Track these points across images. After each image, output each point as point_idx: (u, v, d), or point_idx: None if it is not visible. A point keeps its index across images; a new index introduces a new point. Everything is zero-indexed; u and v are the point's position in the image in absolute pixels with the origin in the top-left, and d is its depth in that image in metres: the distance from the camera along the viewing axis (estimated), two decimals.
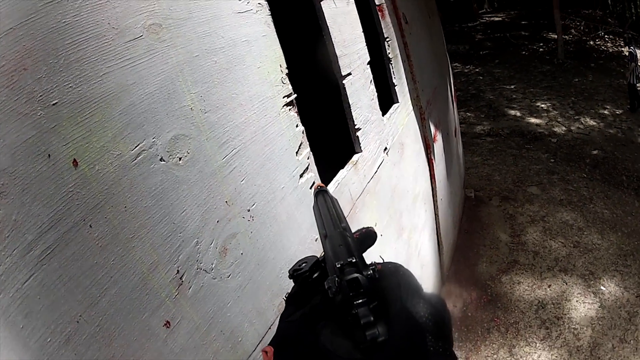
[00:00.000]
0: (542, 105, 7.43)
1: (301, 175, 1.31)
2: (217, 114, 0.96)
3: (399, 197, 2.10)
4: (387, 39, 2.02)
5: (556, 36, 9.66)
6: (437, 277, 3.10)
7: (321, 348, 0.33)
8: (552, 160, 5.51)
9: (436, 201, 2.71)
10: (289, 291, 0.45)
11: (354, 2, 1.77)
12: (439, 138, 2.85)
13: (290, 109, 1.26)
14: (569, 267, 3.67)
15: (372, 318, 0.30)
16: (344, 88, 1.61)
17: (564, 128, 6.58)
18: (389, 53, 2.02)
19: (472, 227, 4.04)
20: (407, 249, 2.29)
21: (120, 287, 0.73)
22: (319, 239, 0.44)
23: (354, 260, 0.35)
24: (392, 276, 0.36)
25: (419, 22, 2.64)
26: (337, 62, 1.59)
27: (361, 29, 1.78)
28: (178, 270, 0.86)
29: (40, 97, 0.63)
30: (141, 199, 0.78)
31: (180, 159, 0.87)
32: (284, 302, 0.47)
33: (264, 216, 1.11)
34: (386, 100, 2.06)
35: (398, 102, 2.10)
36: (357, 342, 0.31)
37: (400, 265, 0.39)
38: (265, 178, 1.12)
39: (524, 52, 10.46)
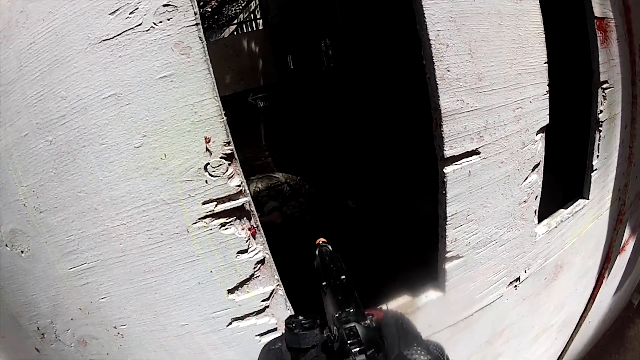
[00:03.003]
0: None
1: (234, 320, 0.78)
2: (57, 217, 0.66)
3: (506, 338, 1.29)
4: (605, 85, 0.99)
5: None
6: None
7: None
8: None
9: (579, 326, 1.77)
10: (273, 343, 0.43)
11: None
12: (629, 246, 1.66)
13: (223, 226, 0.67)
14: None
15: None
16: (444, 182, 0.68)
17: None
18: (601, 111, 1.02)
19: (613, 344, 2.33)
20: None
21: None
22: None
23: (351, 310, 0.36)
24: (392, 325, 0.38)
25: None
26: (440, 128, 0.62)
27: (541, 58, 0.87)
28: (38, 328, 0.85)
29: None
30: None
31: (22, 252, 0.72)
32: None
33: (142, 340, 0.81)
34: (563, 191, 1.24)
35: (588, 198, 1.18)
36: None
37: (402, 314, 0.41)
38: (148, 309, 0.75)
39: None
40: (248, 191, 0.68)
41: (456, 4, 0.70)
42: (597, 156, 1.15)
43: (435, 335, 1.07)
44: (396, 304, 1.04)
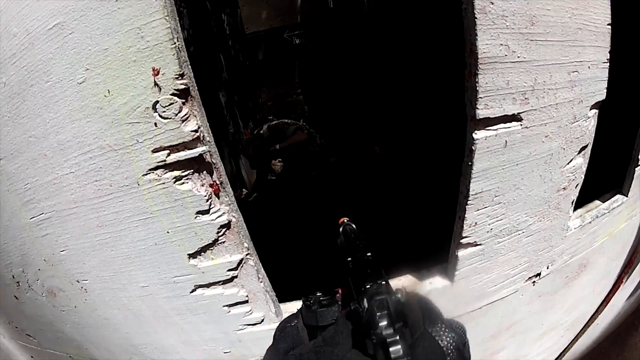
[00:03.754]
0: None
1: (198, 287, 0.71)
2: (14, 163, 0.60)
3: (512, 334, 1.18)
4: None
5: None
6: None
7: None
8: None
9: (586, 327, 1.60)
10: (289, 321, 0.42)
11: None
12: None
13: (178, 180, 0.58)
14: None
15: (397, 337, 0.30)
16: (472, 151, 0.54)
17: None
18: None
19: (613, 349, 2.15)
20: None
21: None
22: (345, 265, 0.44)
23: (382, 283, 0.36)
24: (415, 303, 0.37)
25: None
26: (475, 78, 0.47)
27: (604, 17, 0.67)
28: (13, 276, 0.84)
29: None
30: None
31: None
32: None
33: (104, 297, 0.77)
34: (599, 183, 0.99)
35: (627, 195, 0.98)
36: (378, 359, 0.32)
37: (422, 295, 0.41)
38: (107, 266, 0.70)
39: None
40: (210, 138, 0.58)
41: None
42: None
43: None
44: (396, 283, 0.92)
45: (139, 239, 0.64)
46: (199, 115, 0.55)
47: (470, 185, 0.70)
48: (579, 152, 0.78)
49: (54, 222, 0.67)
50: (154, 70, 0.51)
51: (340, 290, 0.43)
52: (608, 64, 0.71)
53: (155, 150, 0.55)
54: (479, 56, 0.57)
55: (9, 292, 0.90)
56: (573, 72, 0.66)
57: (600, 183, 1.02)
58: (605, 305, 1.52)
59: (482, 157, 0.67)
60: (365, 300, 0.34)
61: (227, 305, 0.75)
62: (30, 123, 0.58)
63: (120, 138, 0.55)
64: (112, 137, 0.55)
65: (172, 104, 0.52)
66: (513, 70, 0.60)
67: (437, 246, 0.94)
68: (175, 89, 0.52)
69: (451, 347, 0.33)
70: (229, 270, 0.69)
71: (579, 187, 0.86)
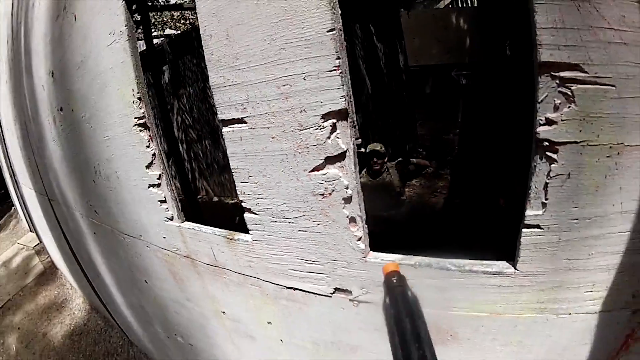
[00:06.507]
0: None
1: (152, 186, 1.48)
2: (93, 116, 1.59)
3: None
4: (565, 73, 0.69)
5: None
6: None
7: None
8: None
9: None
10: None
11: None
12: None
13: (140, 130, 1.35)
14: None
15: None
16: (223, 139, 1.06)
17: None
18: (552, 123, 0.74)
19: None
20: None
21: None
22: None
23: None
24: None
25: None
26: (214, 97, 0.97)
27: (320, 26, 0.83)
28: (94, 167, 1.93)
29: None
30: None
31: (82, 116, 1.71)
32: None
33: (122, 181, 1.65)
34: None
35: (516, 268, 0.87)
36: None
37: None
38: (120, 161, 1.57)
39: None
40: None
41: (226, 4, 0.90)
42: (544, 203, 0.74)
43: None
44: None
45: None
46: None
47: (231, 162, 1.02)
48: (327, 160, 0.87)
49: (111, 140, 1.62)
50: None
51: None
52: (339, 70, 0.79)
53: None
54: (211, 85, 0.96)
55: (90, 178, 1.91)
56: (284, 85, 0.85)
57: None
58: None
59: (230, 144, 0.99)
60: None
61: (159, 201, 1.46)
62: (107, 101, 1.55)
63: None
64: None
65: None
66: (230, 90, 0.92)
67: None
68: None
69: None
70: (157, 178, 1.40)
71: (354, 203, 0.89)
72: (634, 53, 0.63)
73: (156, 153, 1.38)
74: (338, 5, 0.75)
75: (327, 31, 0.75)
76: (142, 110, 1.29)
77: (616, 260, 0.76)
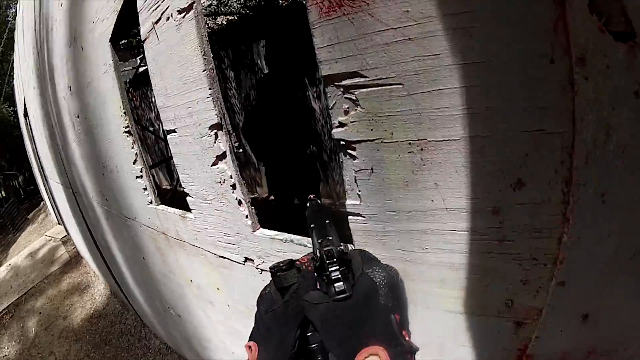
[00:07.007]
0: None
1: (137, 177, 1.97)
2: (99, 123, 2.09)
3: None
4: (346, 81, 0.79)
5: None
6: None
7: (302, 304, 0.44)
8: None
9: None
10: (264, 289, 0.52)
11: None
12: None
13: (127, 136, 1.84)
14: None
15: (340, 276, 0.42)
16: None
17: None
18: (342, 125, 0.88)
19: None
20: None
21: None
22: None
23: (330, 239, 0.50)
24: (357, 253, 0.50)
25: None
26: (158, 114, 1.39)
27: (199, 68, 1.15)
28: (102, 163, 2.49)
29: None
30: None
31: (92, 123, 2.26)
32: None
33: (120, 174, 2.15)
34: None
35: None
36: (329, 294, 0.42)
37: (363, 249, 0.55)
38: (117, 158, 2.05)
39: None
40: None
41: (157, 54, 1.32)
42: (359, 195, 0.81)
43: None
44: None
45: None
46: None
47: (174, 159, 1.45)
48: (219, 159, 1.24)
49: (111, 141, 2.12)
50: None
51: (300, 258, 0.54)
52: (211, 97, 1.07)
53: None
54: (157, 106, 1.39)
55: (100, 172, 2.34)
56: (189, 107, 1.16)
57: None
58: None
59: (171, 147, 1.40)
60: (317, 251, 0.46)
61: (143, 189, 1.93)
62: (107, 110, 2.05)
63: None
64: None
65: None
66: (167, 110, 1.26)
67: None
68: None
69: (383, 283, 0.43)
70: (140, 171, 1.88)
71: (238, 189, 1.25)
72: (422, 46, 0.60)
73: (138, 152, 1.86)
74: (210, 52, 1.14)
75: (202, 71, 1.10)
76: (126, 122, 1.78)
77: (462, 260, 0.72)
